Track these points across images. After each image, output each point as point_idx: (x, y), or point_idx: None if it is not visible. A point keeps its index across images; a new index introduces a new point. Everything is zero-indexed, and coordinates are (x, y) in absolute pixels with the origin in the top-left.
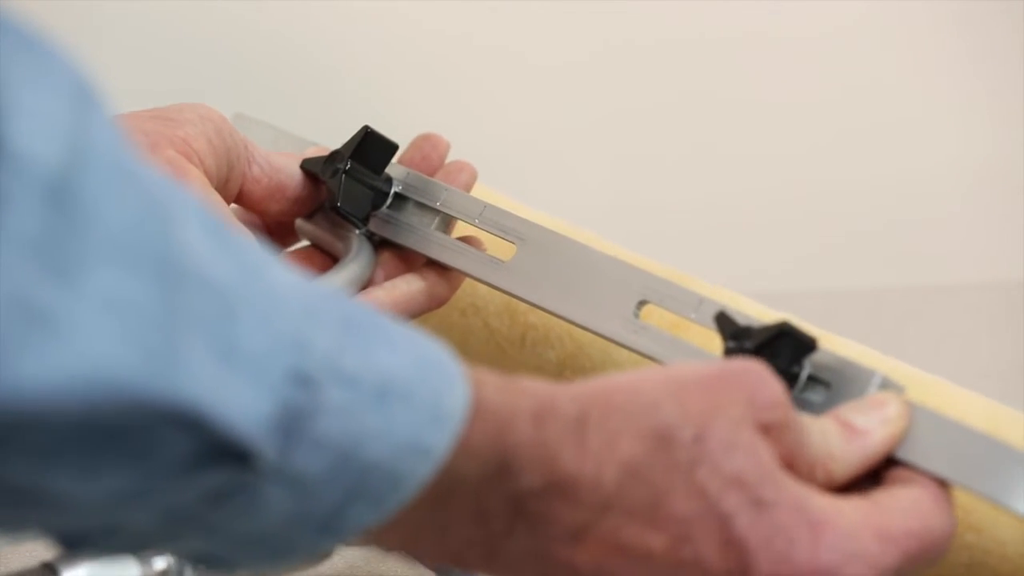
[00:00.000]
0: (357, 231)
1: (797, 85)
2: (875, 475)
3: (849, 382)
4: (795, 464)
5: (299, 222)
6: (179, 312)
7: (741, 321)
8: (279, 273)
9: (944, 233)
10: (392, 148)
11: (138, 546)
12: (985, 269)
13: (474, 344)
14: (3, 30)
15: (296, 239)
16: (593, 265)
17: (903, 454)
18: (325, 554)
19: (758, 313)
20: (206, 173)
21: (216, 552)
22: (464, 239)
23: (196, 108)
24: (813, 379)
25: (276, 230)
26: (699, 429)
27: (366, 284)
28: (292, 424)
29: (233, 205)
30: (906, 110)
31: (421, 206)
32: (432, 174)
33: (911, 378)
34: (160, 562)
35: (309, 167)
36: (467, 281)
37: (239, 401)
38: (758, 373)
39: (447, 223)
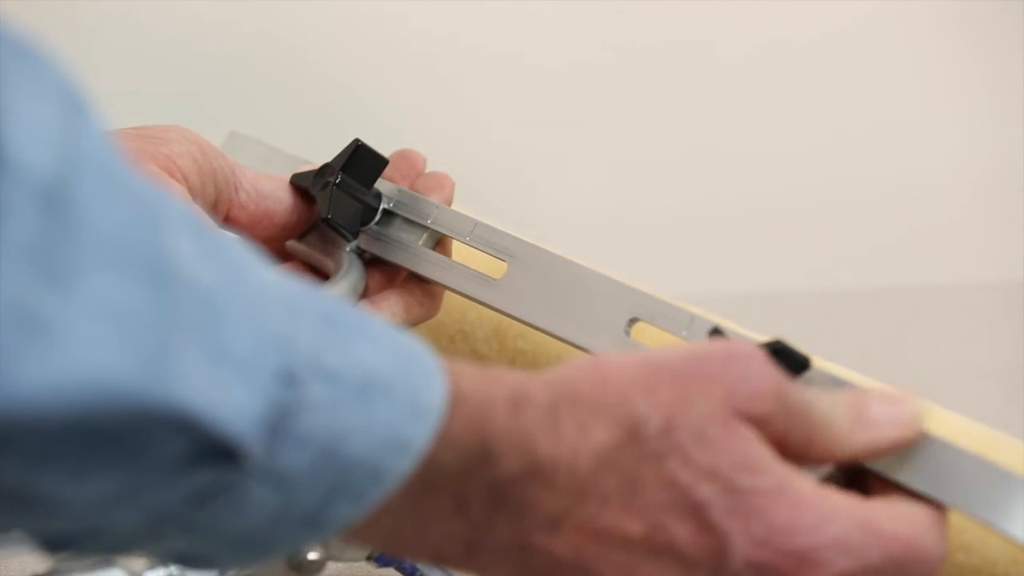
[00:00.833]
0: (347, 248)
1: (797, 87)
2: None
3: None
4: (788, 441)
5: (290, 243)
6: (170, 316)
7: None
8: (262, 274)
9: (944, 233)
10: (382, 162)
11: (121, 548)
12: (985, 269)
13: None
14: None
15: (286, 262)
16: (584, 283)
17: (896, 473)
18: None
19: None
20: (190, 190)
21: (198, 551)
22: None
23: (180, 129)
24: None
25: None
26: (667, 421)
27: (357, 300)
28: (278, 422)
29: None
30: (906, 112)
31: (409, 222)
32: (411, 188)
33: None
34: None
35: (299, 182)
36: (455, 307)
37: (230, 402)
38: (741, 362)
39: (435, 240)
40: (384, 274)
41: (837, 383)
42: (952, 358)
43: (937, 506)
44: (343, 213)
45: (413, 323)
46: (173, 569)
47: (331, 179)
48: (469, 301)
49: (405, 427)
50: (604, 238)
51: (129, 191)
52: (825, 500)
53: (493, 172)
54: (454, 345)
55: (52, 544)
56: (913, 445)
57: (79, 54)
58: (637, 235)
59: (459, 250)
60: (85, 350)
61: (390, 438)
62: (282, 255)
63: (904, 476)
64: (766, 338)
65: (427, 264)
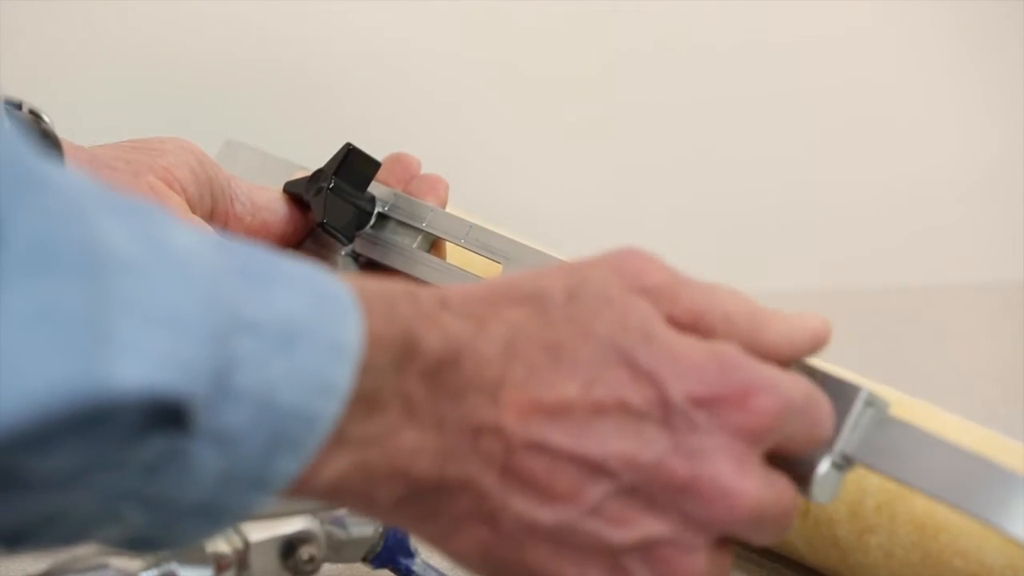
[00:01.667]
0: (343, 252)
1: (797, 88)
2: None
3: (835, 398)
4: (699, 327)
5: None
6: (105, 300)
7: None
8: (183, 239)
9: (944, 234)
10: (375, 165)
11: (78, 535)
12: (985, 269)
13: None
14: None
15: None
16: None
17: (882, 466)
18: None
19: None
20: (188, 201)
21: (153, 530)
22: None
23: (177, 141)
24: None
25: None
26: (569, 291)
27: None
28: (216, 381)
29: None
30: (906, 112)
31: (404, 225)
32: (405, 191)
33: (897, 403)
34: None
35: (292, 189)
36: None
37: (174, 363)
38: (629, 251)
39: (430, 242)
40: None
41: (829, 379)
42: (952, 358)
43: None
44: (338, 218)
45: None
46: (166, 568)
47: (324, 184)
48: None
49: (329, 368)
50: (605, 238)
51: (45, 188)
52: (743, 354)
53: (487, 174)
54: None
55: (8, 538)
56: (907, 442)
57: (73, 61)
58: (638, 235)
59: (454, 252)
60: (23, 364)
61: (316, 382)
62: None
63: (897, 472)
64: None
65: (423, 267)
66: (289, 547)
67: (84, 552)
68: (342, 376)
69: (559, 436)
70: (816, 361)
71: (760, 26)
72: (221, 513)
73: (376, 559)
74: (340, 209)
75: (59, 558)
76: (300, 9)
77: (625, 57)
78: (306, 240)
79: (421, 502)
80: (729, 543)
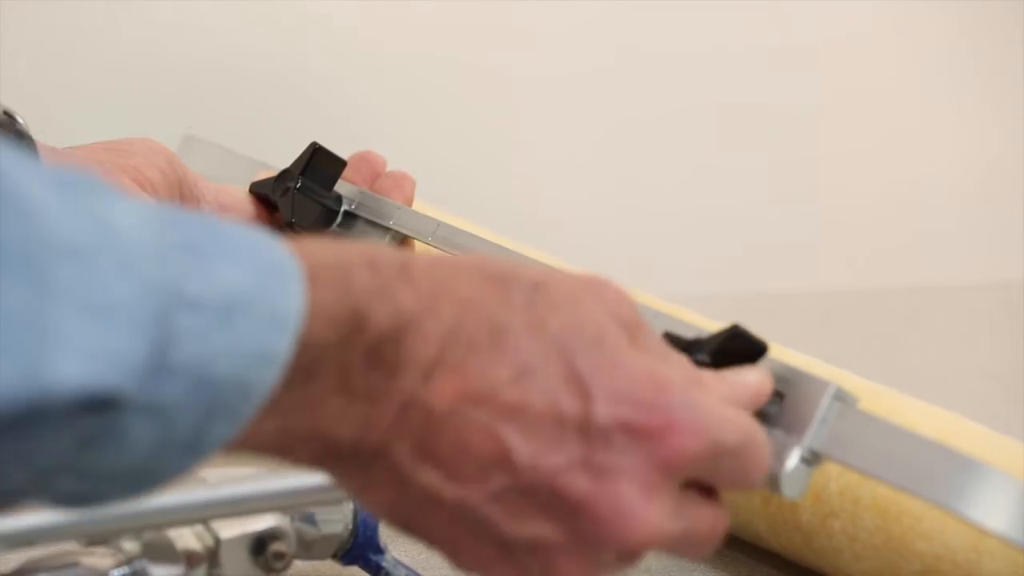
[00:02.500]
0: None
1: (798, 91)
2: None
3: (803, 393)
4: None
5: None
6: (48, 295)
7: (689, 335)
8: (126, 216)
9: (945, 234)
10: (341, 164)
11: (10, 502)
12: (985, 269)
13: None
14: None
15: None
16: None
17: (851, 460)
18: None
19: (703, 323)
20: (158, 201)
21: (84, 492)
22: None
23: (146, 141)
24: None
25: None
26: (539, 283)
27: None
28: (154, 359)
29: None
30: (907, 114)
31: (372, 224)
32: (371, 189)
33: (864, 389)
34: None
35: (259, 190)
36: None
37: (111, 355)
38: (608, 280)
39: (398, 240)
40: (342, 244)
41: (798, 374)
42: (952, 358)
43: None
44: (305, 217)
45: None
46: (137, 566)
47: (291, 184)
48: None
49: (268, 340)
50: (606, 239)
51: None
52: (691, 371)
53: (456, 171)
54: None
55: None
56: (874, 435)
57: (36, 66)
58: (638, 236)
59: (421, 250)
60: None
61: (255, 353)
62: None
63: (861, 464)
64: (722, 327)
65: None
66: (259, 544)
67: (55, 551)
68: (280, 347)
69: (477, 421)
70: (788, 354)
71: (761, 32)
72: (153, 478)
73: (346, 556)
74: (307, 208)
75: (30, 556)
76: (260, 5)
77: (624, 57)
78: None
79: (337, 461)
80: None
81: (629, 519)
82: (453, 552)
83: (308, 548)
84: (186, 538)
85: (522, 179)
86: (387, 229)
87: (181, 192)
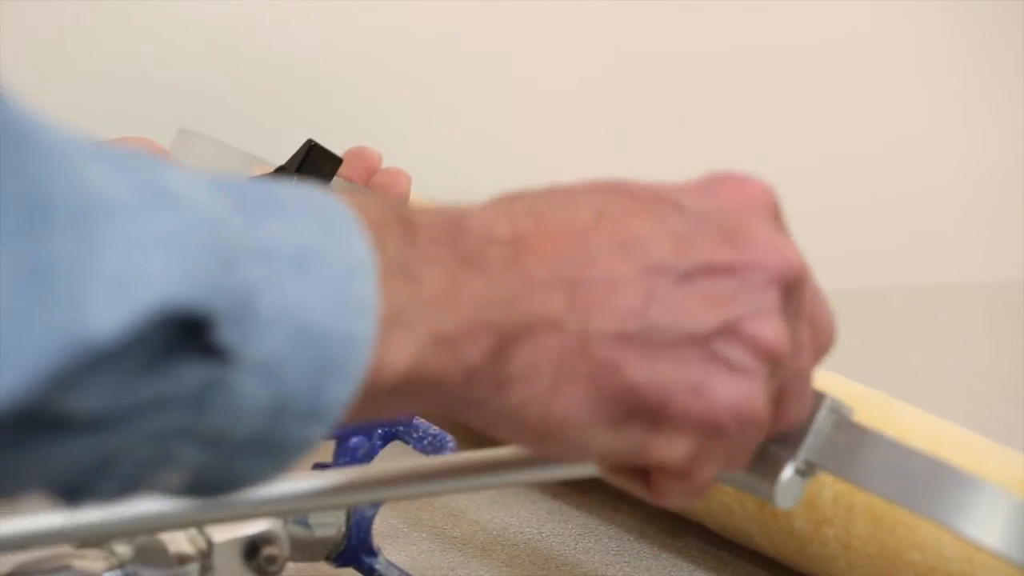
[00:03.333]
0: None
1: (798, 90)
2: None
3: None
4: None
5: None
6: (96, 241)
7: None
8: (176, 181)
9: (945, 234)
10: (337, 162)
11: (136, 482)
12: (985, 270)
13: None
14: None
15: None
16: None
17: (846, 473)
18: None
19: None
20: None
21: (212, 471)
22: None
23: (141, 140)
24: None
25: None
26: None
27: None
28: (240, 310)
29: None
30: (907, 114)
31: None
32: (367, 185)
33: (856, 394)
34: None
35: None
36: None
37: (181, 279)
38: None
39: None
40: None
41: None
42: (952, 359)
43: None
44: None
45: None
46: (128, 570)
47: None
48: None
49: (352, 286)
50: None
51: (31, 145)
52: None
53: (450, 166)
54: None
55: (68, 491)
56: (869, 448)
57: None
58: None
59: None
60: (18, 326)
61: (345, 300)
62: None
63: (856, 477)
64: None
65: None
66: (252, 548)
67: (47, 554)
68: (367, 292)
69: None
70: None
71: (762, 30)
72: (280, 448)
73: (339, 558)
74: None
75: (23, 560)
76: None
77: (622, 57)
78: None
79: (509, 359)
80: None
81: (780, 247)
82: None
83: (301, 551)
84: (179, 542)
85: (520, 174)
86: None
87: None
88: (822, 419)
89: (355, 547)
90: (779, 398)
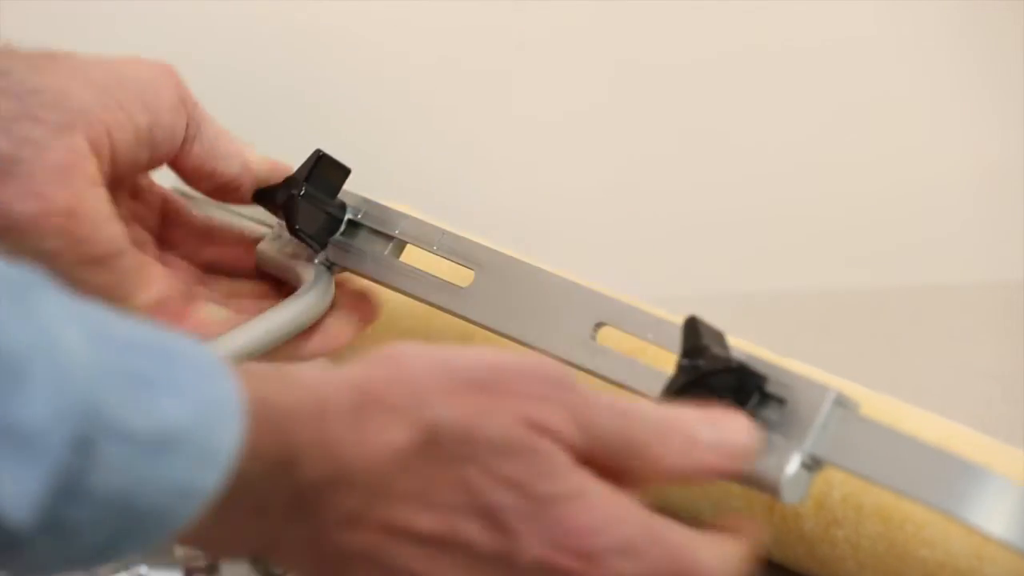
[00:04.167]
0: (316, 261)
1: (798, 91)
2: None
3: (803, 398)
4: (596, 460)
5: (259, 248)
6: None
7: (706, 336)
8: (77, 331)
9: (945, 234)
10: (345, 172)
11: None
12: (986, 270)
13: None
14: None
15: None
16: (550, 289)
17: (852, 465)
18: None
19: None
20: (113, 161)
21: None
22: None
23: (157, 84)
24: (768, 396)
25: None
26: (465, 430)
27: (324, 312)
28: (65, 486)
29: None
30: (908, 113)
31: (375, 232)
32: None
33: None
34: None
35: (263, 196)
36: (421, 314)
37: (9, 488)
38: (538, 380)
39: (400, 249)
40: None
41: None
42: (953, 359)
43: (737, 535)
44: (310, 223)
45: (361, 329)
46: (135, 571)
47: (296, 191)
48: (434, 309)
49: (196, 476)
50: (607, 240)
51: None
52: (617, 503)
53: (459, 177)
54: None
55: None
56: (875, 440)
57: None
58: (638, 237)
59: (421, 256)
60: None
61: (180, 488)
62: (237, 251)
63: (862, 468)
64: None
65: (394, 274)
66: None
67: None
68: (207, 483)
69: (397, 561)
70: (787, 361)
71: (763, 32)
72: None
73: None
74: (312, 215)
75: None
76: (267, 7)
77: (620, 58)
78: (276, 242)
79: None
80: None
81: None
82: None
83: None
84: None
85: (525, 183)
86: (391, 238)
87: (156, 143)
88: (826, 413)
89: None
90: None
